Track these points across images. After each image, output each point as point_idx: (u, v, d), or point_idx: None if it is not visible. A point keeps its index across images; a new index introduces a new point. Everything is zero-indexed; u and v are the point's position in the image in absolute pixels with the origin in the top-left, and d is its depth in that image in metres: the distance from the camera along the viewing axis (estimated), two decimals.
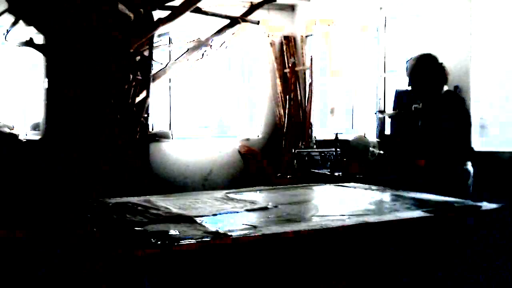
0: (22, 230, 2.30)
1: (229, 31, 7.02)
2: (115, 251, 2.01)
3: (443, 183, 3.67)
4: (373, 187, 3.62)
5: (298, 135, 7.85)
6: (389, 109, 6.40)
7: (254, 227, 2.31)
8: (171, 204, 2.88)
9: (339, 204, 3.22)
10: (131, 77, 5.76)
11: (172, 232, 2.18)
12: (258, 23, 7.23)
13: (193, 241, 2.05)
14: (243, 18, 6.94)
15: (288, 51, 8.62)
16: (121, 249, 2.00)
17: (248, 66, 8.84)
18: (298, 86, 8.36)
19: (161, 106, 8.11)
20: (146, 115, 6.21)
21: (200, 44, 7.00)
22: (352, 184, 3.88)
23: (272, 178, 7.00)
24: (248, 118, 8.85)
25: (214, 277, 2.02)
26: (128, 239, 2.11)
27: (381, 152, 5.29)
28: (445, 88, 4.05)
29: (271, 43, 8.65)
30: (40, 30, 5.62)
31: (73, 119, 5.32)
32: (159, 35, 6.85)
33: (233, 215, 2.65)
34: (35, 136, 6.72)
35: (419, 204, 2.92)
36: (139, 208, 2.77)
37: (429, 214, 2.63)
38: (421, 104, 4.23)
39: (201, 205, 2.90)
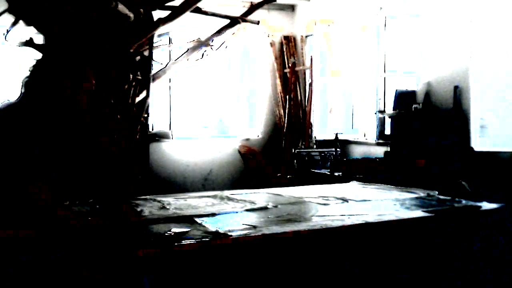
0: (24, 230, 2.30)
1: (229, 31, 7.00)
2: (115, 251, 2.01)
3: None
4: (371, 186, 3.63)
5: (298, 135, 7.85)
6: (389, 109, 6.40)
7: (254, 227, 2.31)
8: (171, 204, 2.89)
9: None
10: (131, 77, 5.75)
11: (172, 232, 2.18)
12: (258, 23, 7.22)
13: (193, 241, 2.05)
14: (243, 18, 6.93)
15: (288, 51, 8.62)
16: (121, 249, 2.00)
17: (248, 66, 8.83)
18: (298, 86, 8.36)
19: (161, 106, 8.10)
20: (146, 115, 6.19)
21: (200, 44, 6.99)
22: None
23: (272, 178, 7.00)
24: (248, 118, 8.84)
25: (214, 277, 2.02)
26: (128, 239, 2.11)
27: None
28: None
29: (271, 43, 8.64)
30: (40, 30, 5.61)
31: (72, 119, 5.31)
32: (159, 35, 6.83)
33: (233, 215, 2.66)
34: None
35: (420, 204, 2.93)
36: (139, 208, 2.77)
37: (429, 214, 2.64)
38: (421, 104, 4.20)
39: (201, 205, 2.90)
